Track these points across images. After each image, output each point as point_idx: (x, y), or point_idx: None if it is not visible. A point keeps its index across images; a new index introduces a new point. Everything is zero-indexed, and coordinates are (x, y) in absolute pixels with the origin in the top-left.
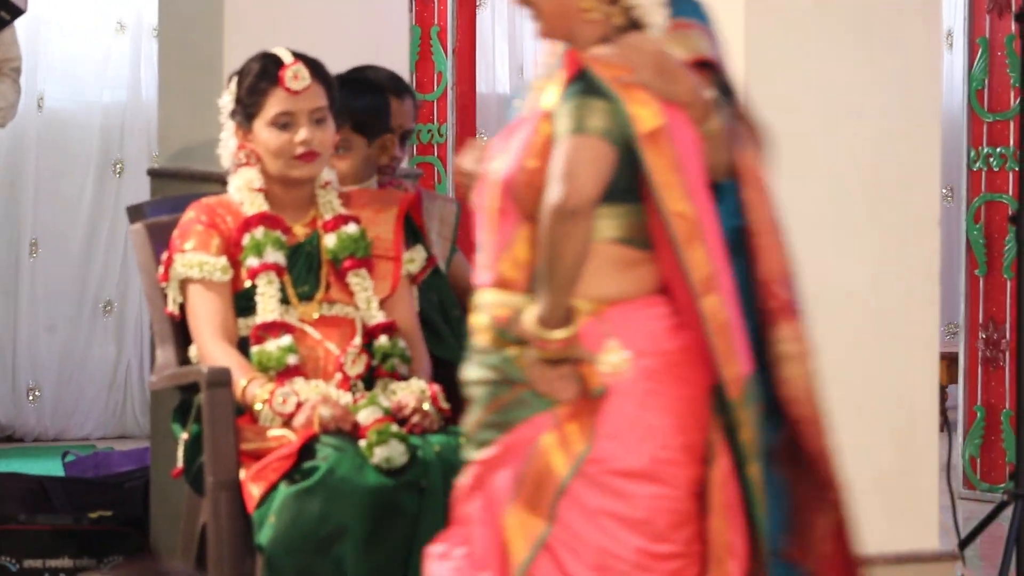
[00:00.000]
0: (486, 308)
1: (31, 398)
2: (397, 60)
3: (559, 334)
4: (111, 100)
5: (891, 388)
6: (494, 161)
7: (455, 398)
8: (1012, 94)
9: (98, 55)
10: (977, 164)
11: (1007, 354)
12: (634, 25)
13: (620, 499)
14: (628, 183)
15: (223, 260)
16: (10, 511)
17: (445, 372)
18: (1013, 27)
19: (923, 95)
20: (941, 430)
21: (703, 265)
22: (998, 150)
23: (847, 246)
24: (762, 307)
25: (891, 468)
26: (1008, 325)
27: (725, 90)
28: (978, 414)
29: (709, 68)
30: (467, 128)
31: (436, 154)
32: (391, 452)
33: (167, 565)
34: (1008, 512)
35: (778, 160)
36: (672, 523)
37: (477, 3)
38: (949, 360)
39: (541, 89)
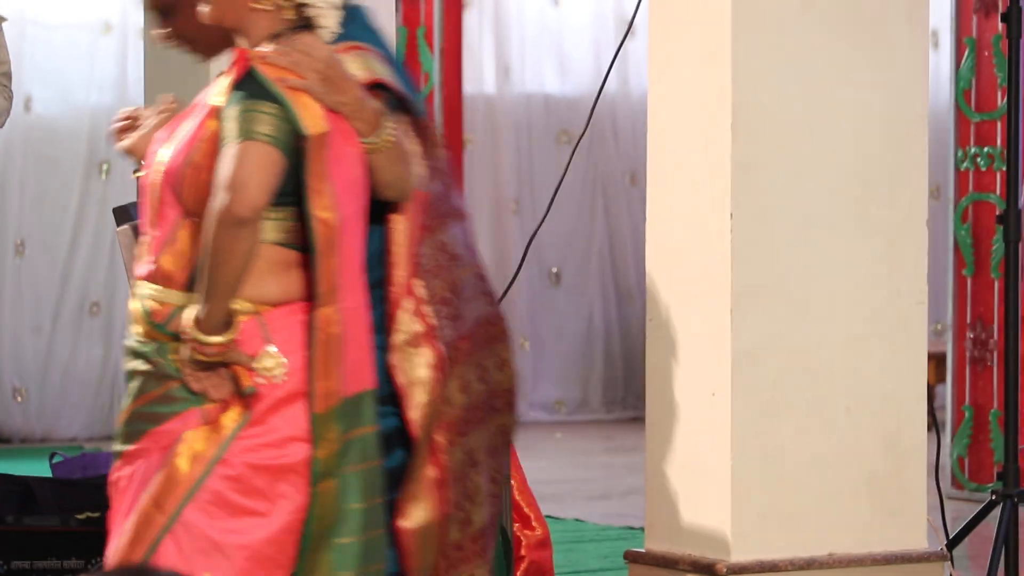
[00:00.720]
0: (142, 299)
1: (17, 399)
2: None
3: (217, 339)
4: (98, 102)
5: (879, 388)
6: (159, 150)
7: None
8: (999, 93)
9: (84, 56)
10: (964, 164)
11: (995, 354)
12: (306, 24)
13: (254, 496)
14: (291, 187)
15: None
16: None
17: None
18: (1000, 27)
19: (910, 95)
20: (929, 430)
21: (332, 276)
22: (985, 150)
23: (834, 247)
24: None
25: (879, 468)
26: (996, 325)
27: (401, 110)
28: (966, 414)
29: (383, 90)
30: (454, 128)
31: None
32: None
33: (156, 567)
34: (996, 512)
35: (765, 161)
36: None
37: (463, 4)
38: (937, 360)
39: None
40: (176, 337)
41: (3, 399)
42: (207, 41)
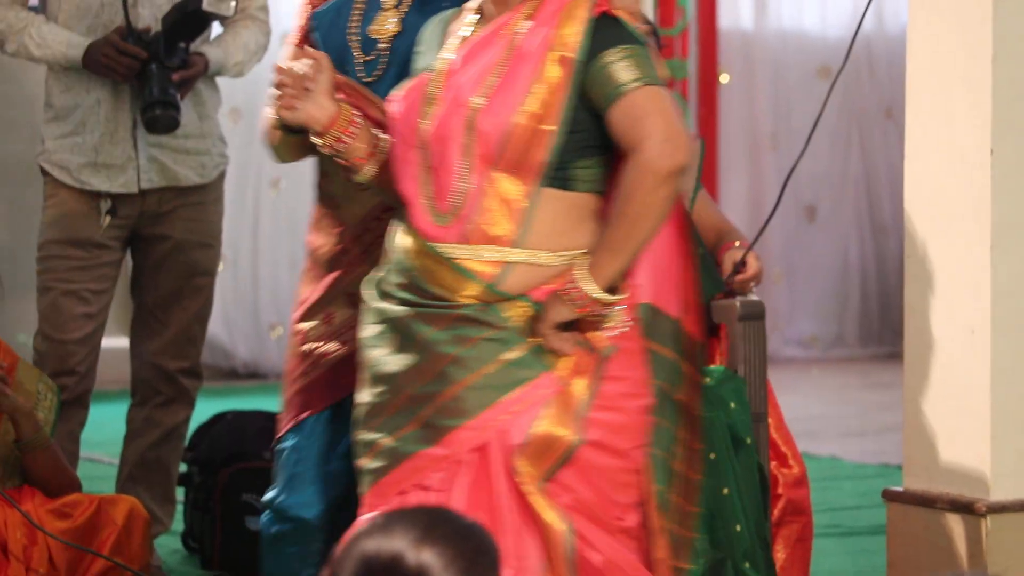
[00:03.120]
0: (459, 262)
1: (273, 335)
2: None
3: (618, 297)
4: None
5: None
6: (451, 92)
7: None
8: None
9: None
10: None
11: None
12: None
13: (617, 455)
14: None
15: None
16: (254, 448)
17: None
18: None
19: None
20: None
21: None
22: None
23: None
24: None
25: None
26: None
27: None
28: None
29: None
30: (709, 63)
31: (679, 90)
32: None
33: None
34: None
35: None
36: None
37: None
38: None
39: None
40: (509, 298)
41: (260, 335)
42: None
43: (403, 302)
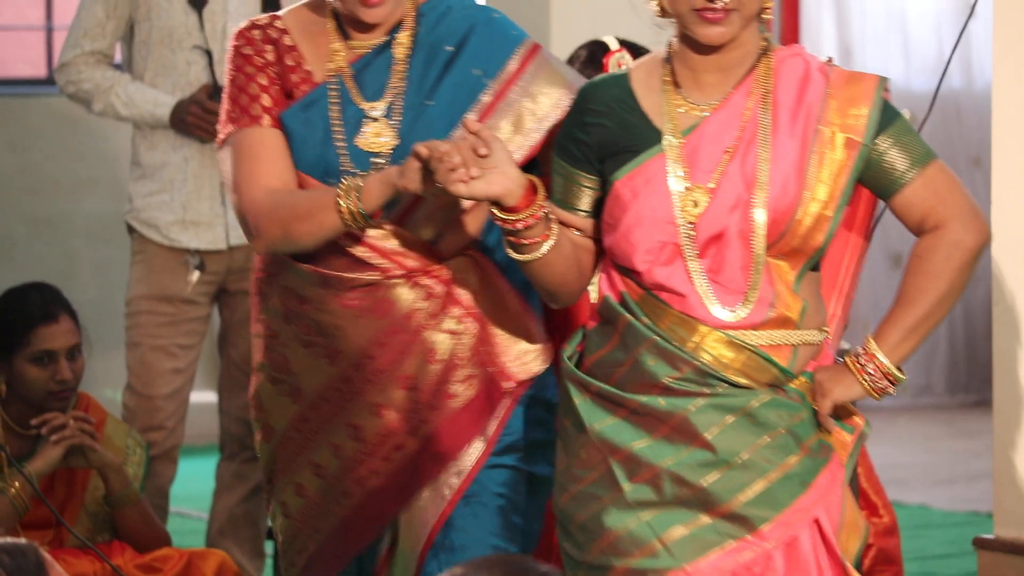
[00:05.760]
0: (765, 348)
1: None
2: None
3: (904, 377)
4: None
5: None
6: (714, 180)
7: None
8: None
9: None
10: None
11: None
12: None
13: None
14: None
15: None
16: None
17: None
18: None
19: None
20: None
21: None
22: None
23: None
24: None
25: None
26: None
27: None
28: None
29: None
30: None
31: None
32: None
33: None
34: None
35: None
36: None
37: None
38: None
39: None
40: (790, 376)
41: None
42: None
43: (684, 393)
